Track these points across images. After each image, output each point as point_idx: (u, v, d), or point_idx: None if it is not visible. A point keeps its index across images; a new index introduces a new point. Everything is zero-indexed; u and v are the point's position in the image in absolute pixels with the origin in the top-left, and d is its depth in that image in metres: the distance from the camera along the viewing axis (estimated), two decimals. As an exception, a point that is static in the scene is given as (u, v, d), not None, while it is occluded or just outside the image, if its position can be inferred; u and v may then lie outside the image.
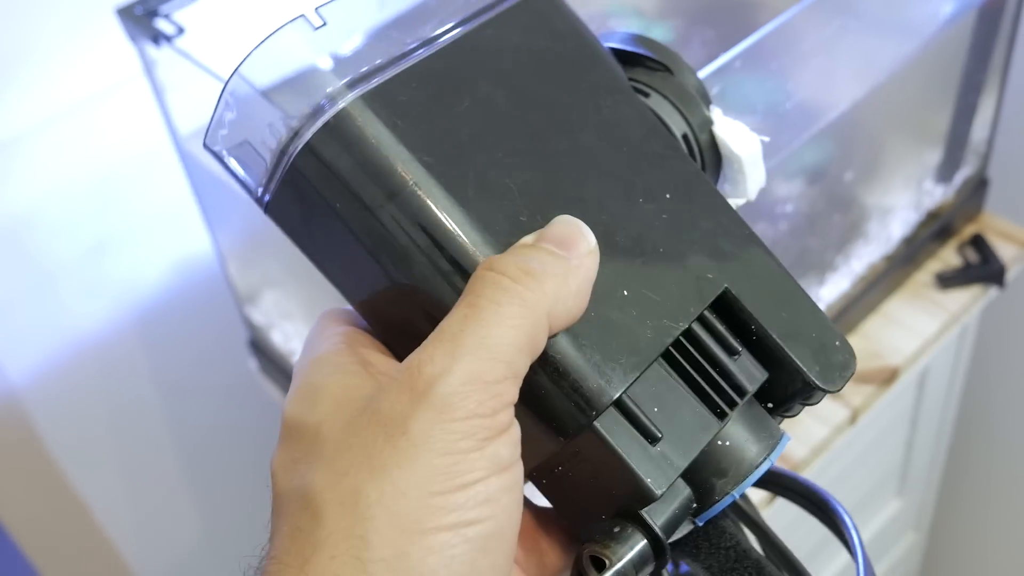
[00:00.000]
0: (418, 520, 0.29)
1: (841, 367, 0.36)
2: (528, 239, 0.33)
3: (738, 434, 0.35)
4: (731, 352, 0.36)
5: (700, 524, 0.35)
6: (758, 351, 0.37)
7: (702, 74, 0.69)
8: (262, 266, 1.05)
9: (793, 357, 0.36)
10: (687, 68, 0.41)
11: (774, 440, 0.36)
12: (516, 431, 0.31)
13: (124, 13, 0.83)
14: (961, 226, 1.11)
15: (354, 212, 0.33)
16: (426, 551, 0.29)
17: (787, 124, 0.80)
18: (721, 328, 0.36)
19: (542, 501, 0.37)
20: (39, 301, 1.05)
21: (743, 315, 0.36)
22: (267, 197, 0.35)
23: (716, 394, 0.35)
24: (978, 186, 1.10)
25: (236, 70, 0.35)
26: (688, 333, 0.35)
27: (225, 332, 1.17)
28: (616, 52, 0.41)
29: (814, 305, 0.37)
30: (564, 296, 0.32)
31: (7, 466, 1.12)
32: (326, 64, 0.34)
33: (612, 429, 0.33)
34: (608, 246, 0.35)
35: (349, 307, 0.37)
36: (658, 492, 0.33)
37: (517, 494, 0.31)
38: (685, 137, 0.40)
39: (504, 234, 0.34)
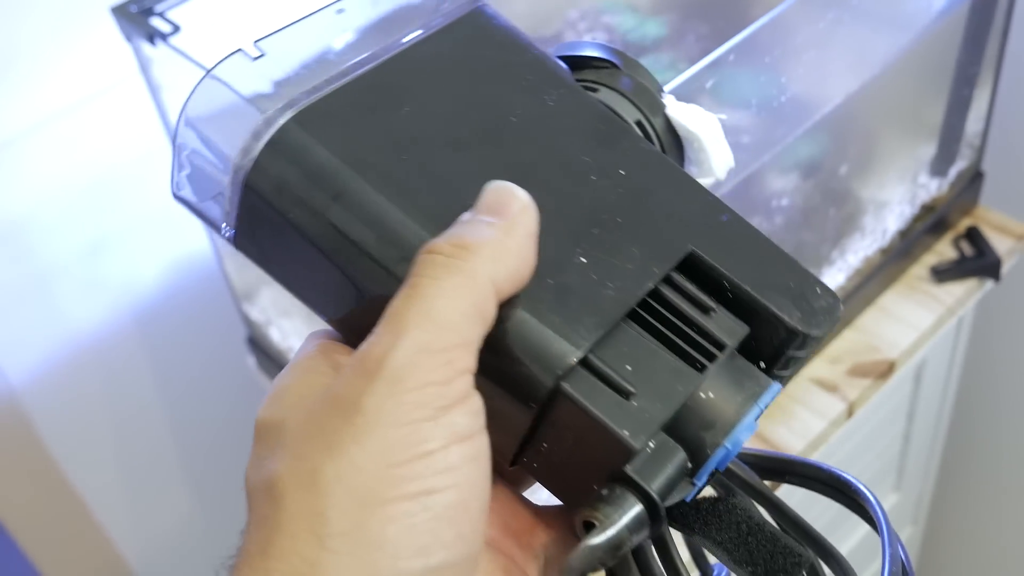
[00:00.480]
0: (377, 492, 0.29)
1: (825, 311, 0.36)
2: (464, 216, 0.34)
3: (721, 385, 0.35)
4: (704, 309, 0.36)
5: (699, 484, 0.35)
6: (737, 308, 0.36)
7: (695, 68, 0.69)
8: (259, 264, 1.05)
9: (769, 305, 0.36)
10: (634, 62, 0.42)
11: (761, 388, 0.36)
12: (476, 402, 0.31)
13: (119, 11, 0.84)
14: (956, 219, 1.11)
15: (307, 220, 0.34)
16: (386, 521, 0.29)
17: (781, 118, 0.80)
18: (691, 287, 0.36)
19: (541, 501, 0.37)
20: (37, 302, 1.06)
21: (713, 273, 0.36)
22: (232, 231, 0.37)
23: (692, 349, 0.35)
24: (973, 179, 1.10)
25: (183, 111, 0.36)
26: (656, 295, 0.35)
27: (223, 330, 1.17)
28: (564, 59, 0.42)
29: (790, 258, 0.37)
30: (504, 257, 0.32)
31: (7, 466, 1.12)
32: (267, 90, 0.36)
33: (582, 388, 0.33)
34: (562, 219, 0.35)
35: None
36: (637, 444, 0.32)
37: (481, 465, 0.31)
38: (639, 123, 0.41)
39: (450, 219, 0.34)
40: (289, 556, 0.29)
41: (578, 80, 0.41)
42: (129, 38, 0.85)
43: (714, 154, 0.41)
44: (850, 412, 0.98)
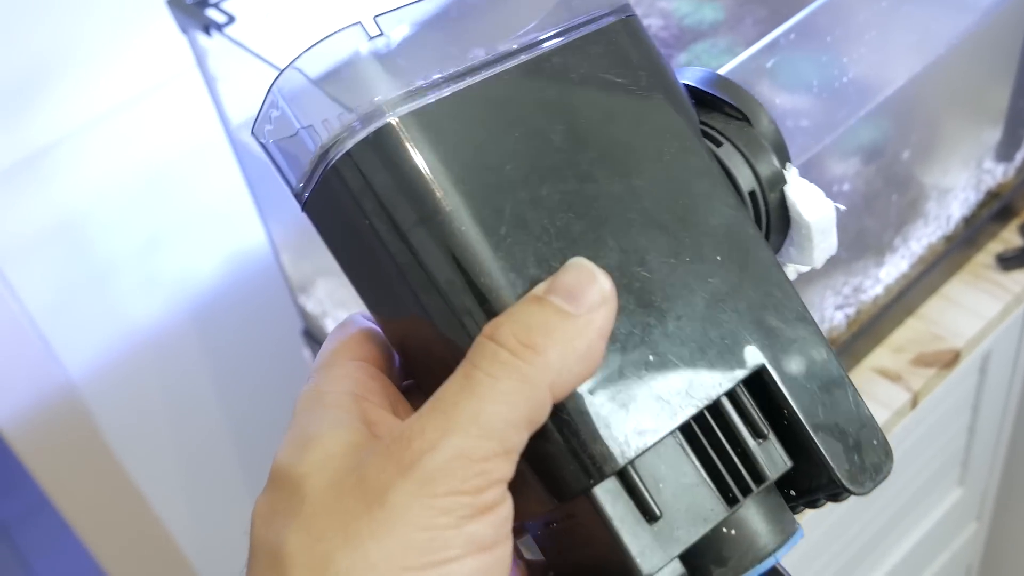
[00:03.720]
0: None
1: (873, 469, 0.35)
2: (539, 289, 0.32)
3: (747, 523, 0.34)
4: (758, 435, 0.34)
5: None
6: (788, 438, 0.35)
7: (755, 48, 0.68)
8: (315, 256, 1.05)
9: (823, 451, 0.34)
10: (768, 119, 0.39)
11: (785, 535, 0.34)
12: (504, 509, 0.30)
13: (174, 3, 0.84)
14: (1022, 206, 1.08)
15: (384, 229, 0.33)
16: None
17: (842, 100, 0.78)
18: (751, 408, 0.34)
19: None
20: (95, 297, 1.07)
21: (777, 397, 0.34)
22: (306, 195, 0.35)
23: (732, 478, 0.33)
24: (1040, 164, 1.07)
25: (289, 65, 0.34)
26: (715, 407, 0.34)
27: (279, 322, 1.17)
28: (694, 92, 0.39)
29: (858, 398, 0.36)
30: (570, 361, 0.30)
31: (67, 459, 1.13)
32: (378, 75, 0.34)
33: (609, 500, 0.32)
34: (642, 304, 0.33)
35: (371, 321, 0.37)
36: (646, 571, 0.31)
37: None
38: (752, 194, 0.39)
39: (530, 279, 0.32)
40: None
41: (705, 123, 0.39)
42: (185, 30, 0.86)
43: (819, 244, 0.39)
44: (914, 402, 0.96)
